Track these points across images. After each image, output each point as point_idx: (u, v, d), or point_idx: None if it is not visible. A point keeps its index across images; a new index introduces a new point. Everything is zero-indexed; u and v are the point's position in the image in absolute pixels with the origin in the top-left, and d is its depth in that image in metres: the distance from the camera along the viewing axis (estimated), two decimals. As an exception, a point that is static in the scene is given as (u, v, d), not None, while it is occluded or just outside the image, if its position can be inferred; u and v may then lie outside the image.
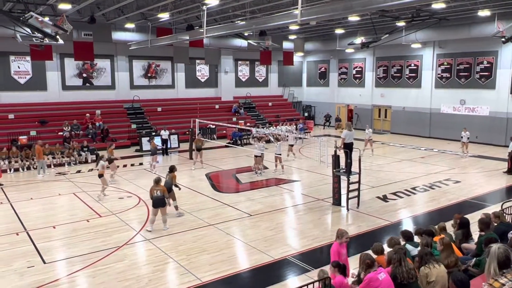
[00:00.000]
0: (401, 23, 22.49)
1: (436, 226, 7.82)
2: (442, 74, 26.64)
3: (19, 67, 24.21)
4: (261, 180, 16.79)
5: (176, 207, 12.26)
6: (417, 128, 27.83)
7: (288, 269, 8.83)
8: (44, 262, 9.17)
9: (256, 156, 17.43)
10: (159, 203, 10.88)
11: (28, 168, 18.81)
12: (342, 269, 6.21)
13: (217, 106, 30.27)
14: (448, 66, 26.24)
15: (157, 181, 11.10)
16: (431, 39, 25.66)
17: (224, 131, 26.79)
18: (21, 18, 14.22)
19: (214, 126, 25.46)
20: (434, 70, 26.99)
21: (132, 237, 10.57)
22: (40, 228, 11.25)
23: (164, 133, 22.52)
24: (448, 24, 23.36)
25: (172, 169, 12.52)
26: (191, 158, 20.86)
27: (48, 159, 18.94)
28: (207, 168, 18.72)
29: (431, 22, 22.58)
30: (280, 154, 17.60)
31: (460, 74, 25.64)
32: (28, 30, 15.42)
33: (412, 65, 28.35)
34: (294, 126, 28.09)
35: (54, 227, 11.33)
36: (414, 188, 15.15)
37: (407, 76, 28.76)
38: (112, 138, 23.88)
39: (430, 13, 21.05)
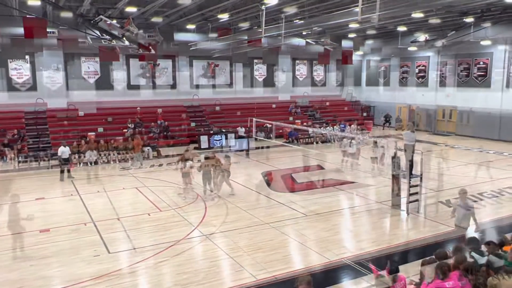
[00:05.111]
0: (469, 19, 21.23)
1: (510, 235, 7.30)
2: (516, 72, 24.86)
3: (88, 68, 25.83)
4: (317, 180, 16.63)
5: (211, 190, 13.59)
6: (485, 130, 26.17)
7: (344, 272, 8.66)
8: (109, 252, 9.69)
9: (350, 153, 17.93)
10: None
11: (96, 163, 19.95)
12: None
13: (274, 106, 30.35)
14: (524, 64, 24.44)
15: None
16: (503, 36, 23.97)
17: (281, 131, 26.80)
18: (92, 21, 15.12)
19: (270, 125, 25.54)
20: (506, 68, 25.23)
21: (189, 232, 10.86)
22: (105, 220, 11.90)
23: (241, 130, 24.37)
24: (522, 19, 21.74)
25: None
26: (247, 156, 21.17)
27: (113, 154, 19.95)
28: (263, 166, 18.81)
29: (503, 17, 21.10)
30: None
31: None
32: (98, 32, 16.39)
33: (481, 63, 26.71)
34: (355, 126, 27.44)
35: (118, 219, 11.94)
36: (481, 194, 14.26)
37: (475, 75, 27.16)
38: (172, 135, 24.69)
39: (502, 8, 19.66)
